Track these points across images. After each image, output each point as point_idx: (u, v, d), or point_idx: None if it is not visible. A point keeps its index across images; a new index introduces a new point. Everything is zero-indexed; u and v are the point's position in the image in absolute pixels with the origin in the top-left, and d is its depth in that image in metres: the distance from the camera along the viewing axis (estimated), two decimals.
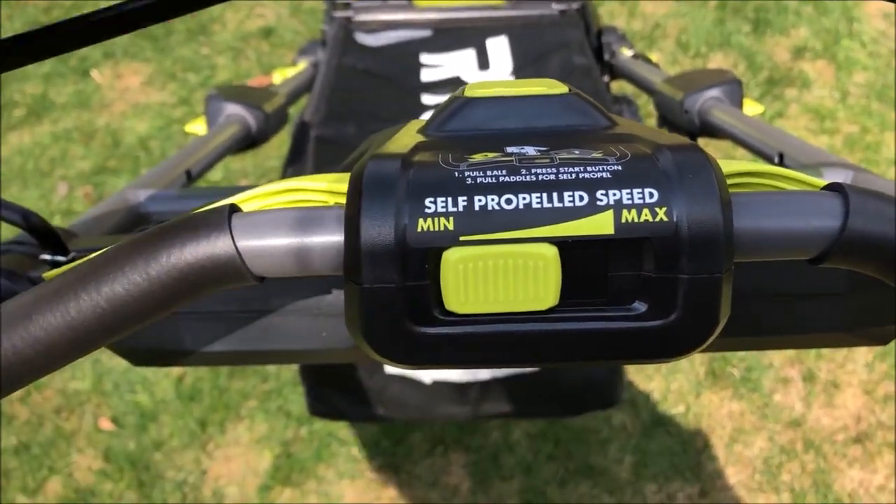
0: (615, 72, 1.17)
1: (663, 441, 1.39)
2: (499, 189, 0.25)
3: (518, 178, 0.25)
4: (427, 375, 0.92)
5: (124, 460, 1.39)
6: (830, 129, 1.83)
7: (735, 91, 0.86)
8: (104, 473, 1.38)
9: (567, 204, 0.25)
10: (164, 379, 1.48)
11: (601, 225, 0.25)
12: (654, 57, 1.35)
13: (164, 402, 1.46)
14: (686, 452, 1.38)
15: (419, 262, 0.25)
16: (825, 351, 1.48)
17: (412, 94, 0.99)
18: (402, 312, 0.26)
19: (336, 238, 0.27)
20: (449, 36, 1.07)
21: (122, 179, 1.82)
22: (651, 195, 0.25)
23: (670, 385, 1.45)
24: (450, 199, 0.25)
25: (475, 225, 0.25)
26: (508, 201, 0.25)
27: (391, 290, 0.25)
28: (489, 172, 0.26)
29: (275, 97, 0.94)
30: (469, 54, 1.04)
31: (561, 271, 0.25)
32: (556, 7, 1.14)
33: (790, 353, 1.48)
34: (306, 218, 0.27)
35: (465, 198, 0.25)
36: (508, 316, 0.26)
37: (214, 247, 0.27)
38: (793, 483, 1.35)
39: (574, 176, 0.25)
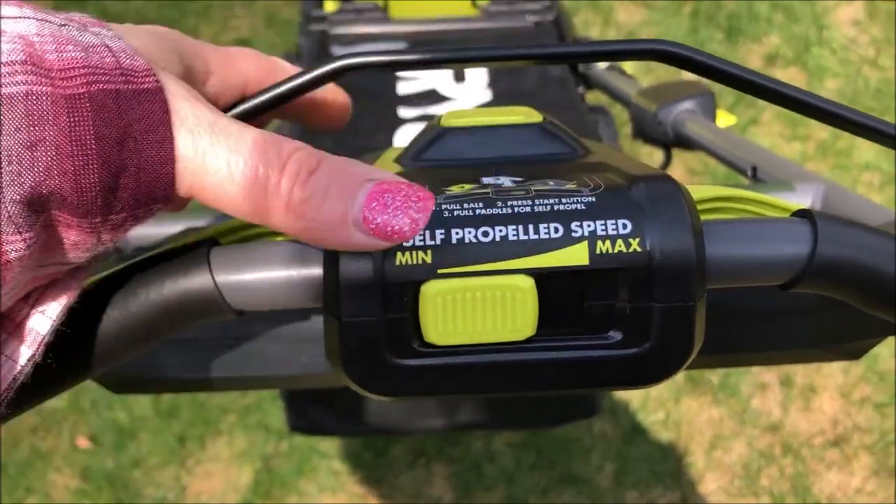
0: (590, 82, 1.17)
1: (644, 448, 1.40)
2: (476, 222, 0.25)
3: (494, 211, 0.26)
4: None
5: (102, 479, 1.38)
6: (803, 136, 1.86)
7: (708, 103, 0.87)
8: (82, 492, 1.37)
9: (543, 236, 0.25)
10: (142, 396, 1.47)
11: (576, 256, 0.25)
12: (628, 66, 1.36)
13: (143, 419, 1.45)
14: (666, 459, 1.39)
15: (398, 296, 0.25)
16: None
17: (389, 106, 0.99)
18: (381, 345, 0.26)
19: (315, 272, 0.27)
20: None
21: None
22: (625, 226, 0.25)
23: (650, 392, 1.46)
24: (427, 233, 0.25)
25: (453, 258, 0.25)
26: (485, 234, 0.25)
27: (370, 324, 0.26)
28: (466, 205, 0.26)
29: None
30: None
31: (538, 302, 0.26)
32: (530, 19, 1.14)
33: None
34: (285, 252, 0.28)
35: (442, 231, 0.25)
36: (487, 347, 0.26)
37: (193, 283, 0.27)
38: (772, 487, 1.36)
39: (549, 208, 0.26)
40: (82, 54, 0.21)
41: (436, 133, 0.31)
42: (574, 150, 0.31)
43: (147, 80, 0.22)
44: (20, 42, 0.21)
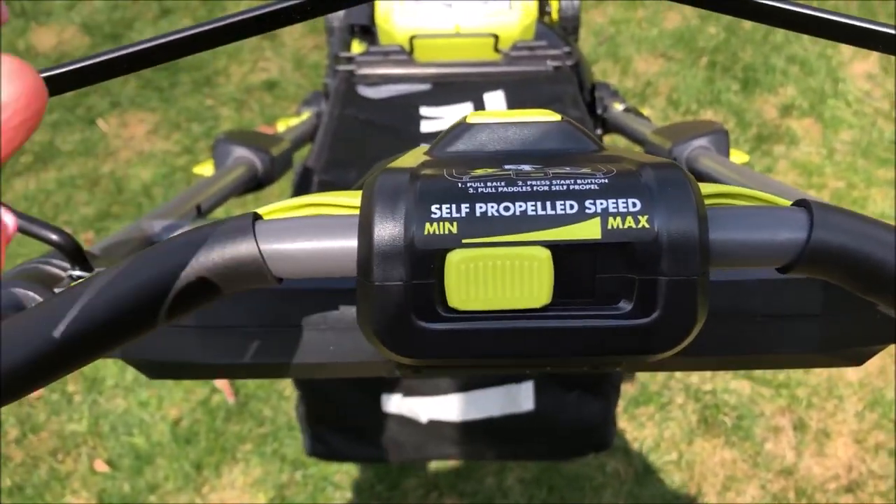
0: (607, 125, 1.21)
1: (656, 488, 1.40)
2: (498, 198, 0.28)
3: (515, 189, 0.28)
4: (423, 415, 0.94)
5: (119, 503, 1.39)
6: (818, 185, 1.88)
7: (722, 140, 0.89)
8: None
9: (559, 211, 0.28)
10: (160, 422, 1.49)
11: (589, 230, 0.28)
12: (645, 112, 1.40)
13: (160, 445, 1.46)
14: (679, 500, 1.38)
15: (425, 263, 0.28)
16: (815, 400, 1.50)
17: (412, 144, 1.02)
18: (408, 308, 0.28)
19: (351, 242, 0.30)
20: (448, 90, 1.11)
21: (124, 225, 1.85)
22: (634, 204, 0.28)
23: (663, 432, 1.46)
24: (454, 206, 0.28)
25: (476, 229, 0.28)
26: (507, 208, 0.28)
27: (399, 288, 0.28)
28: (489, 183, 0.29)
29: (281, 142, 0.98)
30: (467, 108, 1.08)
31: (553, 272, 0.28)
32: (551, 64, 1.18)
33: (781, 401, 1.50)
34: (324, 224, 0.30)
35: (467, 205, 0.28)
36: (506, 313, 0.29)
37: (239, 249, 0.30)
38: None
39: (565, 187, 0.28)
40: None
41: (462, 128, 0.34)
42: (590, 146, 0.34)
43: None
44: None
